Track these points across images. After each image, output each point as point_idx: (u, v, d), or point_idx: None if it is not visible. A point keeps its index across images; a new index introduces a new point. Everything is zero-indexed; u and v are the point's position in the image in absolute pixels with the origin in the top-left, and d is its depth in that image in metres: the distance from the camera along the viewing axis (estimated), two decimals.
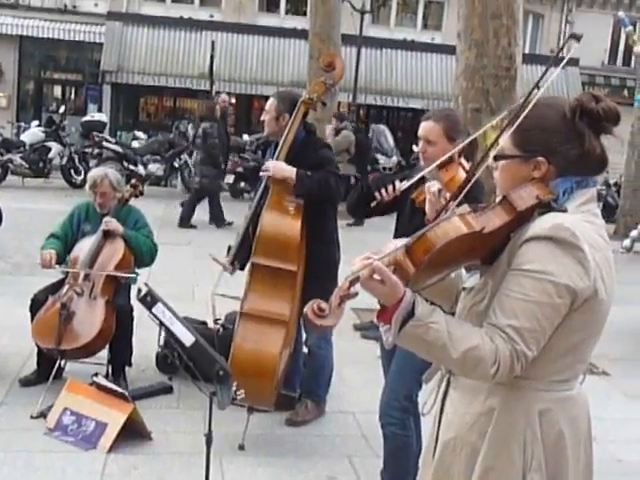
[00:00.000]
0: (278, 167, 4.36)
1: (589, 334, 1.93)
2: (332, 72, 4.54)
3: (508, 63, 6.38)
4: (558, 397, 1.93)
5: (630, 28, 13.75)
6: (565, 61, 1.99)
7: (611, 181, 17.96)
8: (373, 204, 3.52)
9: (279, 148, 4.45)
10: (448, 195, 2.83)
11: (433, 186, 2.85)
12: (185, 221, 11.67)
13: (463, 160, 3.37)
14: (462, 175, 3.24)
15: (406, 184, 3.22)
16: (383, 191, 3.48)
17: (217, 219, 11.89)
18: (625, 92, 23.74)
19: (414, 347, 1.85)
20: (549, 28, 26.52)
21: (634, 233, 12.93)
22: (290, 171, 4.32)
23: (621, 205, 15.08)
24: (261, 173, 4.46)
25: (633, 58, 19.79)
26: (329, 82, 4.51)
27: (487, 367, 1.79)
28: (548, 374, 1.91)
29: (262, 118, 4.64)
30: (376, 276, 1.77)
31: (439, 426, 2.11)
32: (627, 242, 12.79)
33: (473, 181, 1.96)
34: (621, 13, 14.65)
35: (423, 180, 3.08)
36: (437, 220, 1.84)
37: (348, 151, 12.72)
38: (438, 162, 2.78)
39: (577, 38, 2.00)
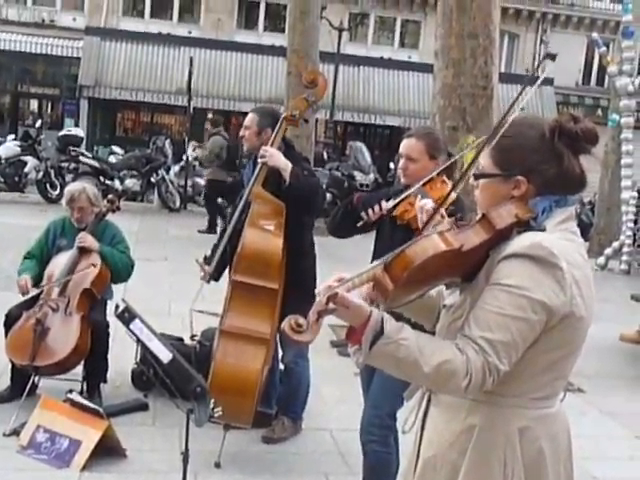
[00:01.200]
0: (276, 156, 4.30)
1: (569, 351, 1.94)
2: (314, 89, 4.55)
3: (485, 82, 6.45)
4: (538, 415, 1.94)
5: (603, 49, 13.92)
6: (540, 80, 2.02)
7: (585, 199, 18.13)
8: (360, 224, 3.53)
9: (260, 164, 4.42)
10: (443, 210, 2.85)
11: (427, 204, 2.86)
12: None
13: (445, 178, 3.41)
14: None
15: (392, 203, 3.24)
16: (370, 211, 3.49)
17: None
18: (599, 112, 24.06)
19: (385, 365, 1.85)
20: (524, 48, 26.87)
21: (608, 251, 13.07)
22: (285, 163, 4.29)
23: (595, 223, 15.22)
24: (259, 159, 4.39)
25: (606, 78, 20.08)
26: (311, 99, 4.52)
27: (459, 380, 1.79)
28: (528, 391, 1.92)
29: (241, 134, 4.62)
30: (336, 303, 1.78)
31: (420, 444, 2.11)
32: (601, 260, 12.93)
33: (453, 199, 1.97)
34: (594, 34, 14.83)
35: (406, 198, 3.09)
36: (417, 237, 1.85)
37: (219, 156, 12.80)
38: (423, 181, 2.79)
39: (552, 57, 2.03)
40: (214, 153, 12.84)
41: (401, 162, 3.55)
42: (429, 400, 2.09)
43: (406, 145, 3.54)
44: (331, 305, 1.78)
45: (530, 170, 1.94)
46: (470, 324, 1.85)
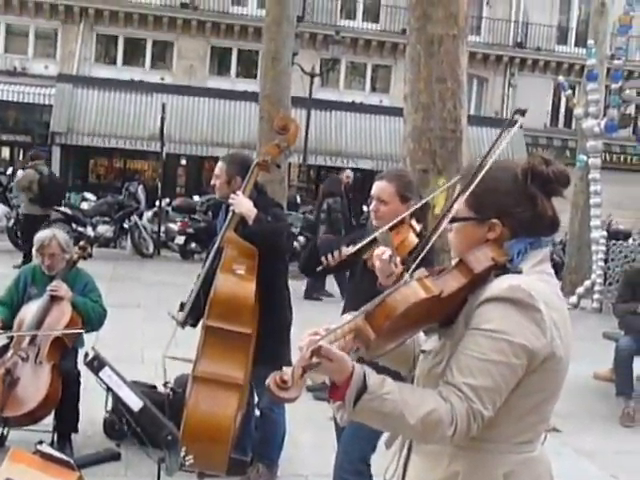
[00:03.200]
0: (243, 202, 4.33)
1: (550, 393, 1.94)
2: (286, 135, 4.59)
3: (454, 125, 6.53)
4: (522, 459, 1.92)
5: (569, 92, 14.20)
6: (510, 136, 2.02)
7: (557, 239, 18.31)
8: (319, 269, 3.54)
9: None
10: (398, 260, 2.86)
11: (384, 253, 2.87)
12: (310, 292, 11.35)
13: (414, 221, 3.43)
14: (412, 238, 3.29)
15: (353, 249, 3.25)
16: (329, 256, 3.50)
17: (314, 290, 11.54)
18: (567, 153, 24.41)
19: (370, 420, 1.83)
20: (493, 91, 27.32)
21: (580, 290, 13.18)
22: (250, 209, 4.31)
23: (567, 263, 15.35)
24: (229, 201, 4.43)
25: (574, 120, 20.43)
26: (283, 144, 4.55)
27: (445, 429, 1.78)
28: (511, 436, 1.91)
29: (212, 182, 4.64)
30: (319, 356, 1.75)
31: None
32: (574, 299, 13.02)
33: (428, 247, 1.97)
34: (560, 78, 15.14)
35: (375, 240, 3.11)
36: (396, 285, 1.84)
37: (29, 189, 12.36)
38: (390, 225, 2.81)
39: (522, 113, 2.05)
40: (21, 185, 12.44)
41: (372, 204, 3.58)
42: (410, 447, 2.06)
43: (377, 187, 3.58)
44: (315, 359, 1.75)
45: (504, 213, 1.95)
46: (452, 370, 1.84)
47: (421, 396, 1.82)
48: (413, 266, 1.91)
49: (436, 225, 2.01)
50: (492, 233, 1.96)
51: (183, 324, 4.58)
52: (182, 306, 4.65)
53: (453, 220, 2.01)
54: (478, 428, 1.81)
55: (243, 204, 4.33)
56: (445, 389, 1.82)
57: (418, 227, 3.27)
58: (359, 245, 3.09)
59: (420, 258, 1.93)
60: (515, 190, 1.96)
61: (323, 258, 3.52)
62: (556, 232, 2.04)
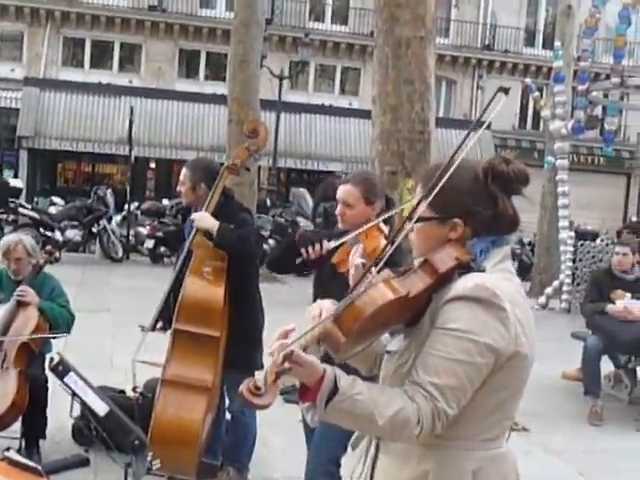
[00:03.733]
0: (203, 218, 4.33)
1: (515, 390, 1.96)
2: (256, 138, 4.58)
3: (422, 127, 6.57)
4: (490, 455, 1.94)
5: (537, 94, 14.36)
6: (491, 116, 2.03)
7: (525, 240, 18.47)
8: (299, 261, 3.53)
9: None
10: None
11: (357, 260, 2.88)
12: None
13: (382, 224, 3.43)
14: (383, 244, 3.29)
15: (333, 244, 3.25)
16: (310, 249, 3.50)
17: None
18: (535, 154, 24.65)
19: (341, 421, 1.83)
20: (461, 93, 27.52)
21: (549, 290, 13.30)
22: (212, 223, 4.30)
23: (535, 263, 15.49)
24: (191, 217, 4.43)
25: (541, 122, 20.63)
26: (252, 148, 4.55)
27: (412, 428, 1.79)
28: (478, 433, 1.92)
29: (178, 189, 4.65)
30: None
31: None
32: (542, 299, 13.15)
33: (393, 248, 1.97)
34: (528, 80, 15.30)
35: (345, 243, 3.11)
36: (363, 287, 1.84)
37: None
38: (361, 229, 2.81)
39: (505, 91, 2.05)
40: None
41: (338, 208, 3.59)
42: (377, 447, 2.05)
43: (342, 191, 3.59)
44: (287, 364, 1.73)
45: (466, 212, 1.97)
46: (418, 370, 1.85)
47: (389, 396, 1.83)
48: (378, 267, 1.91)
49: (401, 226, 2.02)
50: (454, 232, 1.98)
51: (153, 328, 4.54)
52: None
53: (416, 220, 2.02)
54: (442, 426, 1.82)
55: (204, 220, 4.33)
56: (411, 388, 1.83)
57: (386, 229, 3.29)
58: (338, 242, 3.09)
59: (384, 260, 1.93)
60: (476, 189, 1.97)
61: (303, 250, 3.51)
62: (516, 231, 2.06)
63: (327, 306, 1.92)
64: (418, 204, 1.99)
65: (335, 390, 1.77)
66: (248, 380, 1.72)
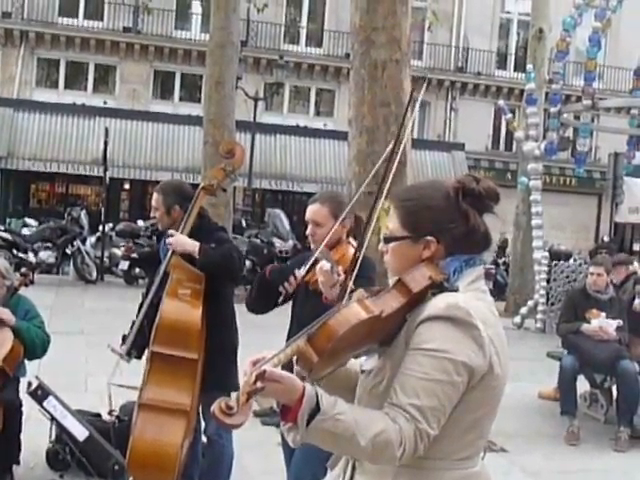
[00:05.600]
0: (180, 241, 4.28)
1: (489, 409, 1.97)
2: (232, 159, 4.59)
3: (397, 148, 6.60)
4: (464, 474, 1.95)
5: (510, 115, 14.52)
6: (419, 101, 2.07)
7: (500, 260, 18.59)
8: (281, 299, 3.54)
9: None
10: (340, 269, 2.89)
11: (325, 266, 2.91)
12: None
13: (352, 239, 3.48)
14: (351, 252, 3.33)
15: (303, 270, 3.26)
16: (286, 284, 3.50)
17: None
18: (508, 175, 24.84)
19: (322, 442, 1.83)
20: (435, 115, 27.71)
21: (523, 310, 13.39)
22: (192, 245, 4.26)
23: (510, 283, 15.59)
24: (167, 243, 4.37)
25: (514, 143, 20.84)
26: (229, 168, 4.55)
27: (394, 450, 1.79)
28: (452, 452, 1.93)
29: (152, 214, 4.62)
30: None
31: None
32: (517, 319, 13.22)
33: (361, 258, 1.99)
34: (501, 102, 15.47)
35: (316, 263, 3.13)
36: (336, 307, 1.85)
37: None
38: (325, 241, 2.85)
39: (424, 79, 2.12)
40: None
41: (309, 228, 3.62)
42: (354, 468, 2.05)
43: (311, 210, 3.63)
44: (259, 384, 1.74)
45: (438, 230, 1.99)
46: (397, 391, 1.85)
47: (370, 417, 1.83)
48: (350, 283, 1.93)
49: (362, 237, 2.04)
50: (427, 251, 1.99)
51: (128, 355, 4.49)
52: (124, 339, 4.56)
53: (388, 240, 2.04)
54: (424, 448, 1.83)
55: (182, 244, 4.28)
56: (391, 410, 1.83)
57: (355, 243, 3.32)
58: (308, 265, 3.11)
59: (356, 272, 1.95)
60: (448, 207, 2.00)
61: (281, 288, 3.51)
62: (488, 249, 2.08)
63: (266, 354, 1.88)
64: (374, 204, 2.04)
65: (317, 409, 1.77)
66: (220, 399, 1.73)
